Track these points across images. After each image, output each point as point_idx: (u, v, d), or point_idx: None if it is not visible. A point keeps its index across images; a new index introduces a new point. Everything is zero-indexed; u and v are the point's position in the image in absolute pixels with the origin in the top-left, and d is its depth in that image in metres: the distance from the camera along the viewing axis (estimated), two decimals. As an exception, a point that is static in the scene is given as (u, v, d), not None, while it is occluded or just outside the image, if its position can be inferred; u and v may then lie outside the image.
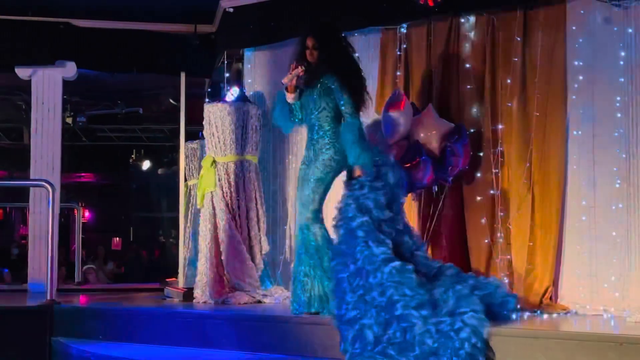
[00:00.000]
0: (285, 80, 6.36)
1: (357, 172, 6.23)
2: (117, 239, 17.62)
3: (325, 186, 6.45)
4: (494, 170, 7.13)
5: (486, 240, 7.14)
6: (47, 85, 10.01)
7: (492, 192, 7.15)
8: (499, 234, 7.09)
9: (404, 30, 7.85)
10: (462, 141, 7.06)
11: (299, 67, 6.36)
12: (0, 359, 7.02)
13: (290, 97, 6.52)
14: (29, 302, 8.40)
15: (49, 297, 7.59)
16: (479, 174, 7.25)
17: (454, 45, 7.53)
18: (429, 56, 7.67)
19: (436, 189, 7.33)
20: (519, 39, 7.12)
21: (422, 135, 7.08)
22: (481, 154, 7.24)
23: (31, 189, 9.82)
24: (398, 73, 7.82)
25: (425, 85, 7.66)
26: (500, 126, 7.18)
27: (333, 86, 6.32)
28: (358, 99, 6.40)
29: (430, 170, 6.96)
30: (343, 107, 6.31)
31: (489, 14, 7.32)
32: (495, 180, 7.13)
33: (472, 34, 7.46)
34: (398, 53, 7.84)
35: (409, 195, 7.26)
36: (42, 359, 7.13)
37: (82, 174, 16.47)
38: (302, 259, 6.40)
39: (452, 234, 7.39)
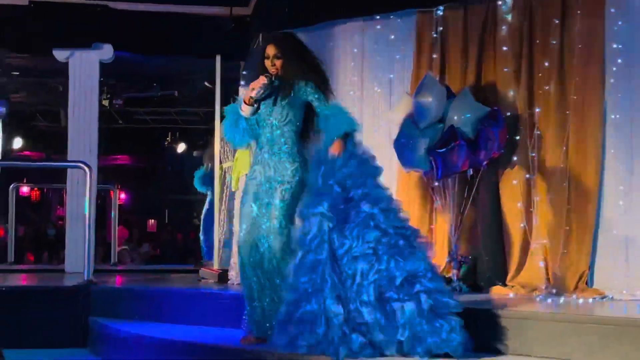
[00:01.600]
0: (253, 94, 5.60)
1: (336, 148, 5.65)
2: (152, 221, 17.73)
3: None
4: (530, 154, 7.06)
5: (522, 225, 7.09)
6: (84, 67, 10.08)
7: (528, 176, 7.09)
8: (534, 219, 7.04)
9: (440, 13, 7.79)
10: (497, 125, 6.99)
11: (265, 78, 5.78)
12: (38, 339, 7.12)
13: (247, 111, 5.81)
14: (66, 283, 8.51)
15: (86, 278, 7.70)
16: (515, 158, 7.18)
17: (490, 28, 7.46)
18: (465, 39, 7.61)
19: (471, 173, 7.27)
20: (557, 21, 7.03)
21: (456, 119, 7.03)
22: (517, 138, 7.17)
23: (68, 170, 9.91)
24: (434, 56, 7.76)
25: (461, 69, 7.60)
26: (537, 110, 7.09)
27: (306, 93, 5.81)
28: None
29: (465, 155, 6.92)
30: (320, 105, 5.78)
31: (527, -5, 7.26)
32: (532, 164, 7.06)
33: (509, 17, 7.37)
34: (434, 35, 7.78)
35: (444, 179, 7.22)
36: (79, 338, 7.23)
37: (118, 156, 16.57)
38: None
39: (487, 218, 7.36)
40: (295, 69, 5.78)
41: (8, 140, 12.94)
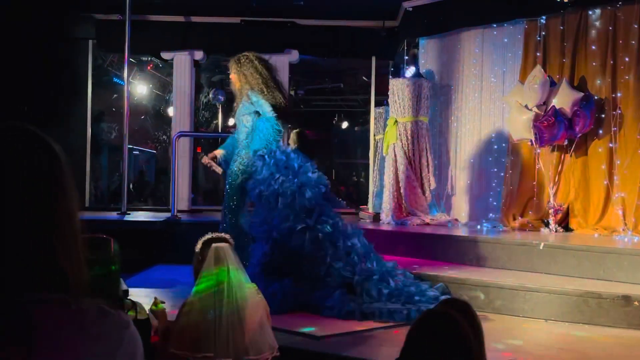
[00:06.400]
0: None
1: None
2: (324, 178, 17.94)
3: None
4: (612, 128, 6.86)
5: (605, 182, 6.88)
6: (278, 67, 10.22)
7: (610, 145, 6.87)
8: (615, 177, 6.80)
9: (543, 21, 7.57)
10: (588, 106, 6.79)
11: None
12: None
13: None
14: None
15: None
16: (600, 131, 6.97)
17: (582, 32, 7.22)
18: (562, 40, 7.39)
19: (566, 143, 7.10)
20: (635, 26, 6.77)
21: (556, 101, 6.86)
22: (603, 116, 6.95)
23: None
24: (538, 54, 7.57)
25: (559, 63, 7.40)
26: (618, 94, 6.86)
27: (251, 101, 5.51)
28: (274, 106, 5.51)
29: (562, 129, 6.77)
30: (260, 110, 5.50)
31: (611, 7, 6.96)
32: (614, 136, 6.85)
33: (597, 23, 7.11)
34: (538, 39, 7.59)
35: (545, 147, 7.07)
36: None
37: (300, 131, 16.91)
38: None
39: (578, 177, 7.16)
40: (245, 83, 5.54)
41: (225, 119, 13.35)
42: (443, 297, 4.77)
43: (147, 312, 3.23)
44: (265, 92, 5.51)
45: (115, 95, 11.82)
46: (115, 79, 11.65)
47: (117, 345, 1.03)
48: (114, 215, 8.64)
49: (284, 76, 10.29)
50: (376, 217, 8.45)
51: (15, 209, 1.00)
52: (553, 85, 7.04)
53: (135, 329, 1.07)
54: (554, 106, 6.83)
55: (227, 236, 3.32)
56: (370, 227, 7.90)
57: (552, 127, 6.72)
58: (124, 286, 4.04)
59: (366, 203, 10.34)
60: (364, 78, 12.23)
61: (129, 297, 3.22)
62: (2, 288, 0.99)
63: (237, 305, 3.04)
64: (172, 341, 3.02)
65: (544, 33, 7.55)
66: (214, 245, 3.17)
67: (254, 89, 5.53)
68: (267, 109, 5.46)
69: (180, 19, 10.12)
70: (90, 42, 10.09)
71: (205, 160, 5.74)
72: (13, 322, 0.98)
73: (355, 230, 5.39)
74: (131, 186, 11.43)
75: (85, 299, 1.04)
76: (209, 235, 3.31)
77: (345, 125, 16.82)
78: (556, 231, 6.91)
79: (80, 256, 1.06)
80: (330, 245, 5.11)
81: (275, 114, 5.46)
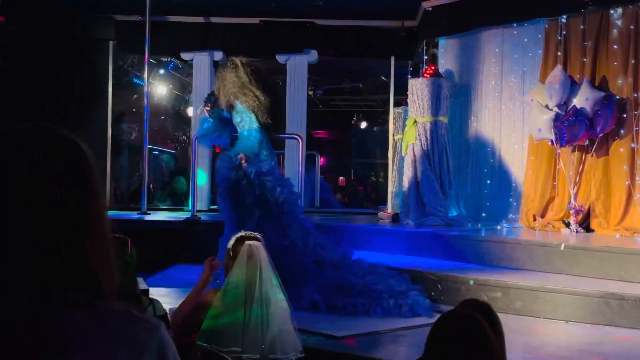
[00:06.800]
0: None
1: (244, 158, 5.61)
2: (342, 177, 17.97)
3: None
4: (634, 128, 6.80)
5: (627, 182, 6.83)
6: (297, 67, 10.28)
7: (632, 145, 6.81)
8: (637, 178, 6.74)
9: (564, 20, 7.51)
10: (610, 106, 6.74)
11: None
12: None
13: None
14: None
15: (299, 216, 7.90)
16: (622, 131, 6.91)
17: (604, 31, 7.16)
18: (583, 40, 7.33)
19: (587, 142, 7.03)
20: (659, 25, 6.68)
21: (577, 101, 6.81)
22: (624, 115, 6.89)
23: (286, 140, 10.20)
24: (559, 53, 7.51)
25: (580, 63, 7.34)
26: (641, 94, 6.78)
27: (238, 108, 5.77)
28: (258, 113, 5.79)
29: (583, 129, 6.72)
30: (247, 119, 5.77)
31: (633, 6, 6.90)
32: (635, 136, 6.79)
33: (619, 22, 7.05)
34: (559, 38, 7.54)
35: (566, 147, 7.02)
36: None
37: (319, 131, 16.91)
38: None
39: (599, 177, 7.10)
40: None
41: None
42: (414, 292, 5.11)
43: (166, 309, 3.28)
44: (243, 98, 5.63)
45: (135, 95, 11.90)
46: (135, 80, 11.73)
47: (144, 350, 1.02)
48: (134, 215, 8.70)
49: (302, 76, 10.33)
50: (395, 218, 8.43)
51: (46, 209, 1.01)
52: (574, 84, 6.99)
53: (165, 333, 1.06)
54: (574, 106, 6.78)
55: (259, 235, 3.36)
56: (390, 227, 7.89)
57: (572, 127, 6.67)
58: (144, 285, 4.08)
59: (385, 203, 10.33)
60: (382, 78, 12.21)
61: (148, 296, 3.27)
62: (33, 287, 0.99)
63: (267, 303, 3.06)
64: (200, 335, 3.04)
65: (564, 32, 7.50)
66: (247, 242, 3.21)
67: (233, 96, 5.68)
68: (251, 123, 5.70)
69: (200, 19, 10.17)
70: (111, 42, 10.16)
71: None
72: (42, 322, 0.98)
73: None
74: (151, 186, 11.50)
75: (115, 301, 1.04)
76: (242, 233, 3.36)
77: (363, 125, 16.82)
78: (577, 232, 6.86)
79: (111, 256, 1.06)
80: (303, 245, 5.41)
81: (257, 124, 5.68)
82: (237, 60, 5.87)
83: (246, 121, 5.67)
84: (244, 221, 5.43)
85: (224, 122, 5.92)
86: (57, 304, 1.00)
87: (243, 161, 5.51)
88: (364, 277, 5.39)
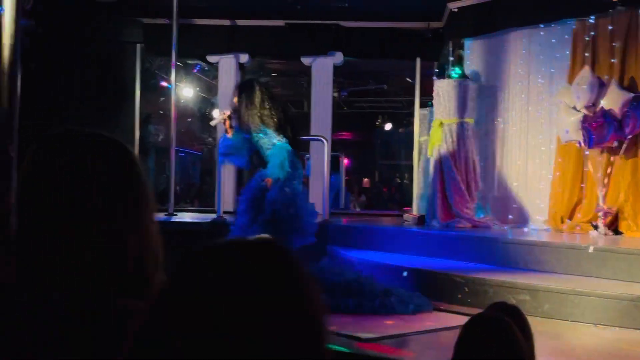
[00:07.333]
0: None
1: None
2: (366, 179, 17.99)
3: None
4: (664, 130, 6.69)
5: (656, 183, 6.74)
6: (322, 69, 10.27)
7: (662, 146, 6.70)
8: (667, 178, 6.67)
9: (592, 21, 7.44)
10: (638, 107, 6.66)
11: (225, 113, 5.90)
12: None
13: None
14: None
15: (325, 218, 7.94)
16: (652, 133, 6.81)
17: (632, 31, 7.09)
18: (612, 40, 7.26)
19: (616, 144, 6.96)
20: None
21: (605, 102, 6.73)
22: (654, 117, 6.78)
23: (311, 142, 10.21)
24: (586, 54, 7.44)
25: (608, 64, 7.27)
26: (671, 94, 6.69)
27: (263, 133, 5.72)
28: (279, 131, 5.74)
29: (612, 130, 6.65)
30: (271, 136, 5.73)
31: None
32: (666, 137, 6.68)
33: (648, 22, 6.96)
34: (586, 39, 7.47)
35: (594, 148, 6.95)
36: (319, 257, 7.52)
37: (343, 133, 16.93)
38: None
39: (627, 179, 7.01)
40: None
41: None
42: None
43: None
44: (267, 119, 5.71)
45: (162, 98, 12.01)
46: (162, 82, 11.84)
47: None
48: (161, 216, 8.78)
49: (327, 78, 10.33)
50: (421, 220, 8.40)
51: (107, 216, 1.03)
52: (602, 86, 6.91)
53: None
54: (602, 107, 6.71)
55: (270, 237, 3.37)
56: (415, 229, 7.87)
57: (601, 128, 6.61)
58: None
59: (410, 205, 10.30)
60: (408, 79, 12.18)
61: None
62: (99, 294, 1.01)
63: None
64: None
65: (592, 33, 7.42)
66: None
67: (256, 122, 5.71)
68: (276, 139, 5.71)
69: (226, 22, 10.24)
70: (138, 45, 10.27)
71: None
72: (109, 331, 0.99)
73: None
74: (177, 188, 11.60)
75: None
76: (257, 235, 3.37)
77: (388, 126, 16.82)
78: (605, 234, 6.79)
79: (160, 260, 1.08)
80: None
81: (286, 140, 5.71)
82: (254, 82, 5.93)
83: (272, 137, 5.72)
84: (252, 224, 5.61)
85: (245, 141, 5.94)
86: (122, 311, 1.01)
87: (268, 185, 5.64)
88: (343, 275, 5.53)
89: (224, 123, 5.93)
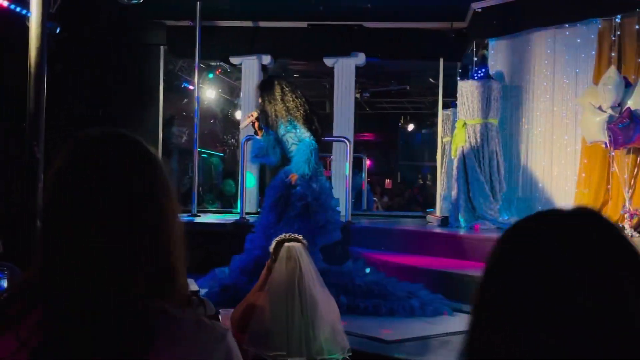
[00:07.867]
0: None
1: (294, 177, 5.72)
2: (388, 180, 17.92)
3: None
4: (692, 130, 6.57)
5: (683, 183, 6.63)
6: (344, 70, 10.27)
7: (690, 147, 6.60)
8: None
9: (618, 20, 7.35)
10: (666, 107, 6.54)
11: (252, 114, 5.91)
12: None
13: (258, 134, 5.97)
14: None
15: (347, 219, 7.92)
16: (679, 133, 6.70)
17: (660, 30, 6.97)
18: (638, 40, 7.16)
19: (642, 144, 6.87)
20: None
21: (632, 103, 6.64)
22: (682, 117, 6.67)
23: (334, 143, 10.21)
24: (612, 54, 7.35)
25: (635, 64, 7.18)
26: (700, 94, 6.57)
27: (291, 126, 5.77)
28: (306, 125, 5.78)
29: (638, 131, 6.56)
30: (298, 131, 5.77)
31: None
32: (693, 138, 6.57)
33: (676, 21, 6.86)
34: (612, 38, 7.38)
35: (620, 149, 6.86)
36: (343, 261, 7.50)
37: (366, 134, 16.88)
38: None
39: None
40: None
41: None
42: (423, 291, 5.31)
43: (217, 310, 3.32)
44: (297, 116, 5.77)
45: (185, 99, 12.07)
46: (185, 84, 11.90)
47: (211, 358, 1.03)
48: (184, 217, 8.83)
49: (350, 79, 10.32)
50: (444, 221, 8.35)
51: (134, 217, 1.04)
52: (628, 86, 6.82)
53: (232, 340, 1.08)
54: (629, 107, 6.61)
55: (300, 237, 3.38)
56: (438, 230, 7.83)
57: (627, 129, 6.51)
58: (194, 286, 4.15)
59: (433, 206, 10.25)
60: (430, 80, 12.13)
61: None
62: (125, 294, 1.01)
63: (309, 305, 3.07)
64: (244, 338, 3.07)
65: (618, 33, 7.33)
66: (286, 244, 3.24)
67: (283, 114, 5.76)
68: (301, 133, 5.75)
69: (249, 24, 10.27)
70: (162, 47, 10.34)
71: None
72: (138, 332, 1.00)
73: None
74: (200, 189, 11.66)
75: (187, 308, 1.06)
76: (282, 236, 3.38)
77: (411, 127, 16.76)
78: (632, 236, 6.68)
79: (184, 261, 1.09)
80: None
81: (312, 136, 5.73)
82: (280, 84, 5.93)
83: (299, 132, 5.73)
84: (278, 221, 5.64)
85: (275, 139, 5.96)
86: (152, 313, 1.02)
87: (293, 181, 5.65)
88: (365, 277, 5.61)
89: (254, 125, 5.96)
